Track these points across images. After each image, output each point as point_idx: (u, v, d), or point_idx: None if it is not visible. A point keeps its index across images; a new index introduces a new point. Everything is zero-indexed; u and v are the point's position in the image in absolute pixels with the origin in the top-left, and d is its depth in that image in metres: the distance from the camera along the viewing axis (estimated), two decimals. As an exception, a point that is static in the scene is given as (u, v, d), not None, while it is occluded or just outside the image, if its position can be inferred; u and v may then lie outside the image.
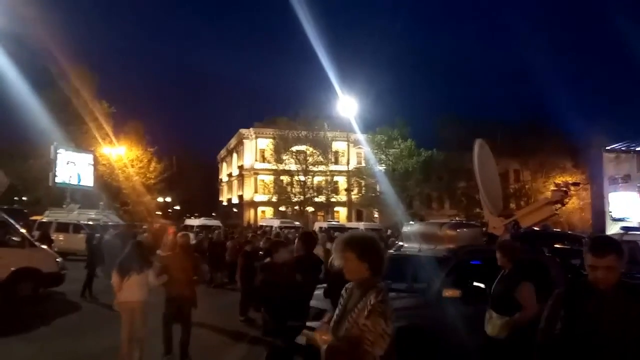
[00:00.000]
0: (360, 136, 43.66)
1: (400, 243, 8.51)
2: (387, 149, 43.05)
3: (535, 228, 8.95)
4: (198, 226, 27.10)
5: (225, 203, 67.50)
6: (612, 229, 23.29)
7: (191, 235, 11.46)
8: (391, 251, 8.49)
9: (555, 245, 9.15)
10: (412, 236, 7.95)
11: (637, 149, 28.51)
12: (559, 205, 8.49)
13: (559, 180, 35.80)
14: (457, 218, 30.10)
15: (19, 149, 31.81)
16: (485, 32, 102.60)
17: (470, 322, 6.40)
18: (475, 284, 7.14)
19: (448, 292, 6.54)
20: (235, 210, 59.52)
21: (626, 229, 14.75)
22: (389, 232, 21.45)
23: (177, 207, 65.50)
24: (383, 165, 43.03)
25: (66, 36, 30.03)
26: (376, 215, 49.55)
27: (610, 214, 28.39)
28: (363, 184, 46.71)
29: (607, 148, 29.70)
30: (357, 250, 2.68)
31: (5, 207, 20.04)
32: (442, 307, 6.42)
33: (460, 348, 6.26)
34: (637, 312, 2.59)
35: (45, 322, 8.67)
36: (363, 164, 48.29)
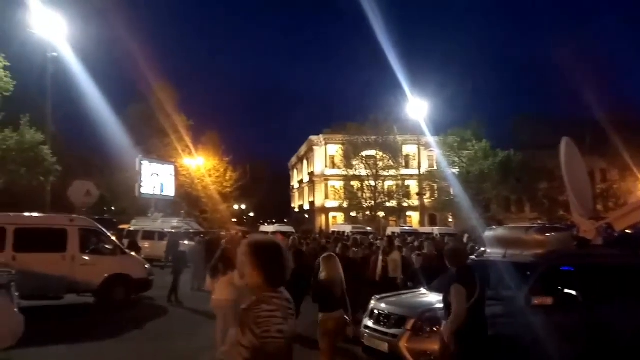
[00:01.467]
0: (431, 139, 42.74)
1: (482, 248, 8.20)
2: (461, 150, 41.79)
3: (628, 231, 8.33)
4: (272, 232, 27.67)
5: (297, 209, 68.54)
6: None
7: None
8: (473, 257, 8.20)
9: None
10: (495, 241, 7.62)
11: None
12: (658, 206, 7.85)
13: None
14: (539, 222, 28.59)
15: (108, 162, 34.09)
16: (565, 27, 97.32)
17: (562, 332, 6.05)
18: (566, 291, 6.73)
19: (538, 300, 6.21)
20: (306, 216, 60.27)
21: None
22: (466, 236, 20.73)
23: (251, 214, 67.43)
24: (456, 167, 41.83)
25: (150, 54, 32.05)
26: (450, 219, 48.21)
27: None
28: (436, 187, 45.61)
29: None
30: (254, 257, 2.42)
31: (96, 217, 21.53)
32: (531, 316, 6.10)
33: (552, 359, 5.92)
34: None
35: (138, 325, 9.17)
36: (435, 167, 47.20)
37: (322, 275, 6.01)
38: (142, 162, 31.14)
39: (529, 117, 40.05)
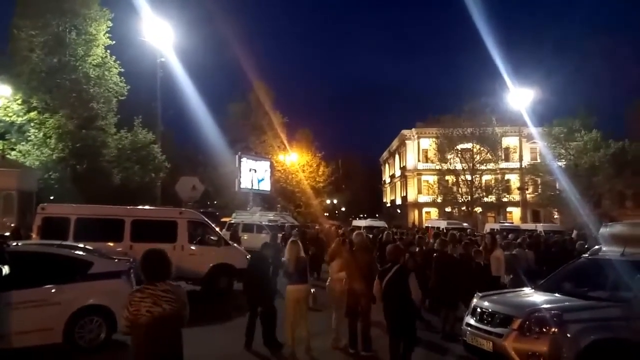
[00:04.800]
0: (534, 130, 40.18)
1: (596, 246, 7.59)
2: (568, 142, 38.81)
3: None
4: (364, 227, 27.69)
5: (388, 204, 68.02)
6: None
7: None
8: (586, 255, 7.62)
9: None
10: (612, 238, 7.02)
11: None
12: None
13: None
14: (660, 218, 25.85)
15: (210, 159, 36.13)
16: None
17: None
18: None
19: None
20: (398, 211, 59.60)
21: None
22: (575, 233, 19.27)
23: (343, 209, 67.99)
24: (563, 160, 38.95)
25: (248, 55, 33.47)
26: (556, 215, 45.10)
27: None
28: (539, 181, 42.73)
29: None
30: (140, 262, 3.74)
31: (201, 210, 22.90)
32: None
33: None
34: None
35: (240, 313, 9.58)
36: (538, 160, 44.29)
37: (285, 256, 7.68)
38: (241, 158, 32.55)
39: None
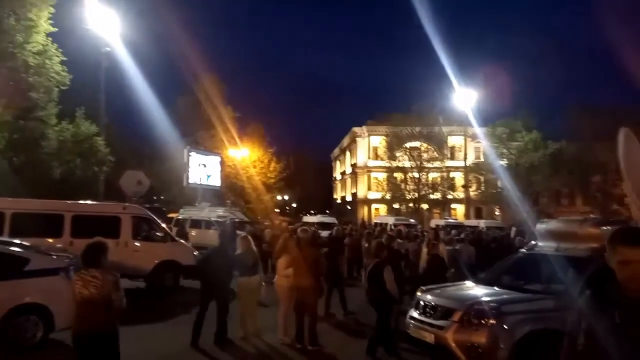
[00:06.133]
0: (479, 129, 41.68)
1: (534, 242, 7.98)
2: (509, 142, 40.53)
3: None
4: (314, 223, 27.84)
5: (339, 201, 68.65)
6: None
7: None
8: (523, 250, 8.00)
9: None
10: (547, 234, 7.41)
11: None
12: None
13: None
14: (591, 215, 27.48)
15: (158, 153, 35.15)
16: (622, 12, 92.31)
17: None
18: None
19: (593, 295, 5.98)
20: (349, 207, 60.28)
21: None
22: (514, 229, 20.16)
23: (294, 205, 68.04)
24: (504, 159, 40.63)
25: (198, 48, 32.74)
26: (497, 212, 47.02)
27: None
28: (482, 179, 44.44)
29: None
30: None
31: (147, 205, 22.28)
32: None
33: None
34: None
35: (187, 310, 9.43)
36: (482, 159, 46.02)
37: (238, 250, 8.16)
38: (190, 152, 31.92)
39: (583, 107, 38.35)
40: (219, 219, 22.73)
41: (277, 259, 8.21)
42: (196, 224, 23.40)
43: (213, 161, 34.44)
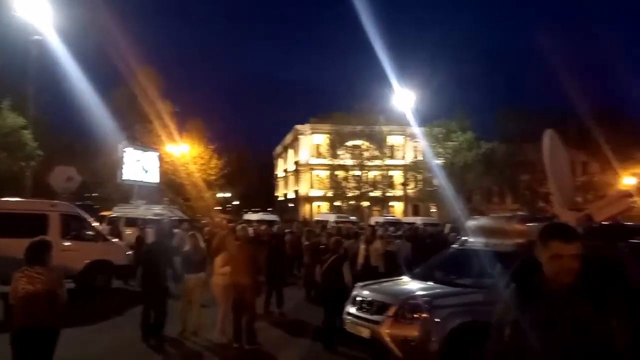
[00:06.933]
0: (417, 129, 42.93)
1: (465, 238, 8.31)
2: (445, 142, 42.04)
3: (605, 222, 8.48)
4: (256, 221, 27.63)
5: (281, 198, 68.50)
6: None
7: (250, 229, 11.81)
8: (455, 246, 8.31)
9: (633, 240, 8.60)
10: (477, 230, 7.73)
11: None
12: (636, 198, 7.99)
13: (633, 171, 33.65)
14: (520, 212, 29.01)
15: (91, 148, 33.61)
16: (550, 20, 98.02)
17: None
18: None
19: (517, 289, 6.31)
20: (291, 205, 60.28)
21: None
22: (448, 226, 20.94)
23: (236, 202, 67.18)
24: (441, 158, 42.11)
25: (132, 38, 31.34)
26: (433, 210, 48.64)
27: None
28: (420, 178, 45.88)
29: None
30: None
31: (78, 203, 21.26)
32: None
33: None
34: (594, 315, 2.24)
35: (120, 312, 9.12)
36: (420, 158, 47.46)
37: (186, 247, 8.34)
38: (125, 148, 30.74)
39: (513, 108, 40.42)
40: (156, 217, 22.05)
41: (213, 257, 8.10)
42: (131, 222, 22.61)
43: (150, 157, 33.30)
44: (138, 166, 31.66)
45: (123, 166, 30.25)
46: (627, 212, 8.93)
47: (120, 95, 35.82)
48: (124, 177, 30.34)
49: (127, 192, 31.47)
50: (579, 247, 2.29)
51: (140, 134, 35.55)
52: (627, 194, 7.81)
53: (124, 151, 30.53)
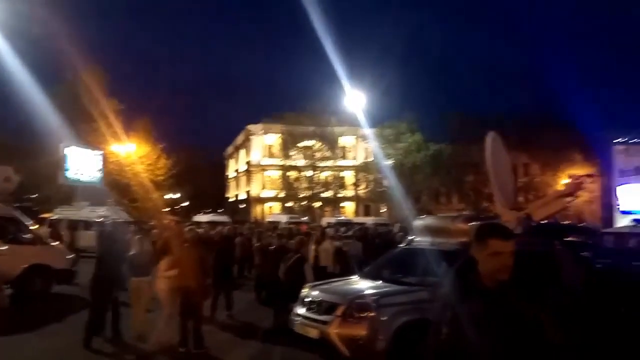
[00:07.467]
0: (368, 131, 43.53)
1: (412, 237, 8.49)
2: (396, 143, 42.85)
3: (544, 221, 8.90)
4: (206, 222, 27.20)
5: (232, 199, 67.67)
6: (620, 222, 23.09)
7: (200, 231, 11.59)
8: (402, 245, 8.48)
9: (567, 238, 9.07)
10: (424, 230, 7.92)
11: (647, 141, 28.21)
12: (571, 198, 8.40)
13: (571, 172, 35.49)
14: (465, 212, 30.00)
15: (31, 147, 32.05)
16: (493, 26, 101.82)
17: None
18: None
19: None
20: (243, 206, 59.67)
21: (638, 221, 14.62)
22: (398, 226, 21.37)
23: (186, 204, 65.78)
24: (391, 159, 42.88)
25: (76, 34, 30.02)
26: (383, 210, 49.46)
27: (618, 207, 28.16)
28: (370, 178, 46.54)
29: (617, 141, 29.41)
30: None
31: (16, 205, 20.20)
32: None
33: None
34: (526, 310, 2.34)
35: (58, 318, 8.75)
36: (371, 159, 48.14)
37: (133, 251, 8.13)
38: (67, 147, 29.54)
39: (460, 111, 41.71)
40: (100, 219, 21.28)
41: (157, 260, 7.89)
42: (73, 224, 21.79)
43: (94, 157, 32.18)
44: (81, 166, 30.53)
45: (65, 166, 29.12)
46: (563, 211, 9.43)
47: (62, 92, 34.25)
48: (66, 177, 29.20)
49: (69, 194, 30.25)
50: (514, 244, 2.38)
51: (84, 132, 34.15)
52: (563, 194, 8.20)
53: (66, 150, 29.37)
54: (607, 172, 32.69)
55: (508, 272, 2.36)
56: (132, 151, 37.89)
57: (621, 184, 28.49)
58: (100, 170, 32.48)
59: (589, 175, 27.90)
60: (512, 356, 2.29)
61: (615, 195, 28.70)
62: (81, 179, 30.44)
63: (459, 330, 2.32)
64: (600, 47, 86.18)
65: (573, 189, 8.20)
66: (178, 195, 58.64)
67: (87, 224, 21.34)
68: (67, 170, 29.22)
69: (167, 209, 44.36)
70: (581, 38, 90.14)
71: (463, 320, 2.32)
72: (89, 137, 34.24)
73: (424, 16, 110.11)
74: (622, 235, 13.70)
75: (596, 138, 34.18)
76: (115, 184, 35.06)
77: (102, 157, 33.05)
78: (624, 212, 26.21)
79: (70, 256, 12.38)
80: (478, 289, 2.37)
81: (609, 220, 28.20)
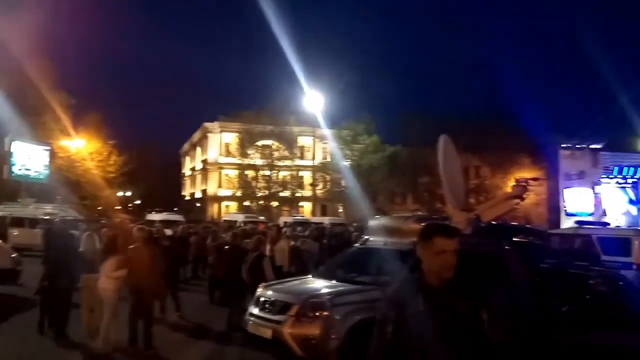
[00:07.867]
0: (326, 131, 43.75)
1: (366, 237, 8.60)
2: (353, 144, 43.28)
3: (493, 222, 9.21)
4: (159, 221, 26.58)
5: (188, 198, 66.47)
6: (566, 224, 24.14)
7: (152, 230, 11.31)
8: (357, 245, 8.58)
9: (515, 239, 9.40)
10: (377, 230, 8.04)
11: (591, 146, 29.68)
12: (518, 200, 8.73)
13: (518, 175, 36.81)
14: (419, 212, 30.65)
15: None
16: (448, 29, 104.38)
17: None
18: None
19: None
20: (198, 205, 58.71)
21: (580, 222, 15.32)
22: (354, 225, 21.62)
23: (138, 202, 64.09)
24: (348, 160, 43.26)
25: (22, 24, 28.70)
26: (340, 210, 49.84)
27: (564, 209, 29.46)
28: (328, 179, 46.86)
29: (563, 145, 30.78)
30: None
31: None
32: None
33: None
34: (469, 308, 2.40)
35: (3, 318, 8.38)
36: (328, 159, 48.43)
37: (81, 248, 8.45)
38: (13, 141, 28.31)
39: (415, 114, 42.52)
40: (47, 217, 20.47)
41: (103, 259, 7.65)
42: (18, 222, 20.94)
43: (41, 152, 30.91)
44: (27, 161, 29.32)
45: (10, 161, 27.93)
46: (511, 213, 9.77)
47: (8, 83, 32.63)
48: (12, 173, 27.99)
49: (14, 190, 28.96)
50: (458, 243, 2.46)
51: (31, 126, 32.69)
52: (511, 196, 8.50)
53: (12, 145, 28.16)
54: (553, 176, 34.15)
55: (452, 270, 2.43)
56: (82, 147, 36.61)
57: (567, 187, 29.83)
58: (47, 166, 31.21)
59: (534, 179, 29.03)
60: (455, 354, 2.34)
61: (562, 197, 30.04)
62: (27, 175, 29.21)
63: (403, 329, 2.36)
64: (551, 54, 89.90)
65: (520, 192, 8.49)
66: (130, 193, 57.12)
67: (33, 222, 20.51)
68: (12, 165, 27.99)
69: (118, 207, 43.07)
70: (532, 45, 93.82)
71: (407, 319, 2.36)
72: (36, 131, 32.82)
73: (383, 17, 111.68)
74: (567, 237, 14.34)
75: (544, 142, 35.69)
76: (64, 181, 33.75)
77: (50, 153, 31.77)
78: (570, 214, 27.48)
79: (14, 255, 11.83)
80: (422, 287, 2.42)
81: (555, 222, 29.45)
